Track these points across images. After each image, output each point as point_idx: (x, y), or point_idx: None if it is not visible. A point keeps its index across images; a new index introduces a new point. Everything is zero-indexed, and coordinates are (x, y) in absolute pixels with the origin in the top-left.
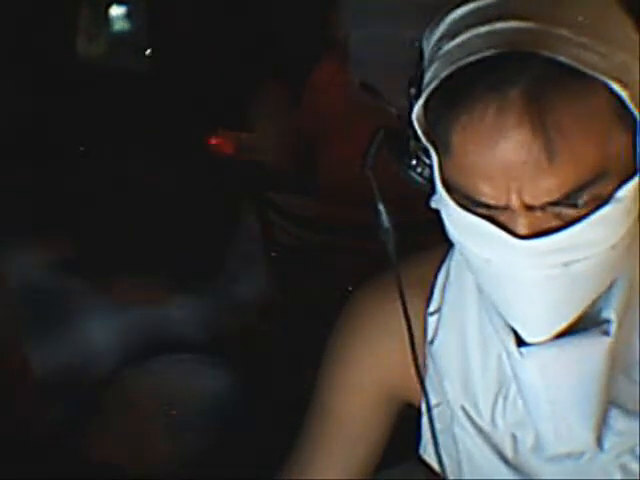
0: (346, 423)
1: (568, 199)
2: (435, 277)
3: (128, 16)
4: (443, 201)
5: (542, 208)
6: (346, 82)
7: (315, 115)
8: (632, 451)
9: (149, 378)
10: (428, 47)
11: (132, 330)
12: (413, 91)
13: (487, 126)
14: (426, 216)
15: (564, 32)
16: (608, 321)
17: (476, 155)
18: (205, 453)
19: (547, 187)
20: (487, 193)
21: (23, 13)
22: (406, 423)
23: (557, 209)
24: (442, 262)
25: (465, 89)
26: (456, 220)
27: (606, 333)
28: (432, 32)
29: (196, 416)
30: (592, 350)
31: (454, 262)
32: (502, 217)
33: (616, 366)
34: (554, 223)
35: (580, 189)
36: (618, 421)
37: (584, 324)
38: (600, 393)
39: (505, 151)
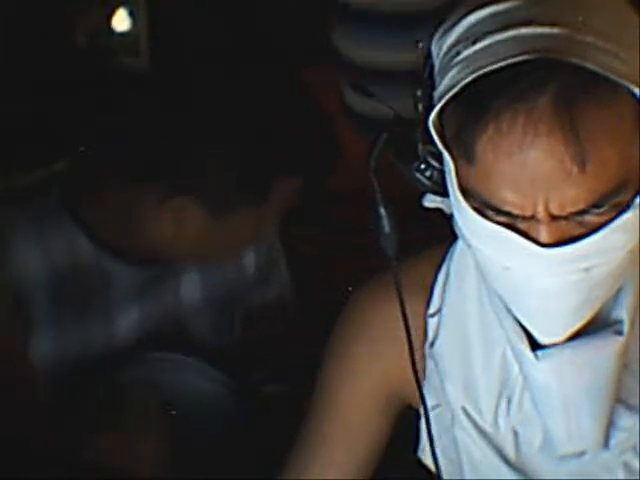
0: (346, 423)
1: (593, 208)
2: (435, 278)
3: (128, 16)
4: (460, 208)
5: (566, 217)
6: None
7: None
8: (634, 448)
9: (146, 377)
10: (440, 50)
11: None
12: (420, 94)
13: (516, 135)
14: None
15: (588, 38)
16: (620, 321)
17: (504, 165)
18: (204, 453)
19: (575, 197)
20: (513, 203)
21: (22, 13)
22: (406, 424)
23: (580, 217)
24: (442, 262)
25: (491, 97)
26: (474, 227)
27: (618, 333)
28: (445, 35)
29: (194, 418)
30: (606, 350)
31: (454, 263)
32: (523, 225)
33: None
34: (576, 230)
35: (606, 198)
36: (622, 417)
37: (595, 324)
38: (611, 391)
39: (535, 161)
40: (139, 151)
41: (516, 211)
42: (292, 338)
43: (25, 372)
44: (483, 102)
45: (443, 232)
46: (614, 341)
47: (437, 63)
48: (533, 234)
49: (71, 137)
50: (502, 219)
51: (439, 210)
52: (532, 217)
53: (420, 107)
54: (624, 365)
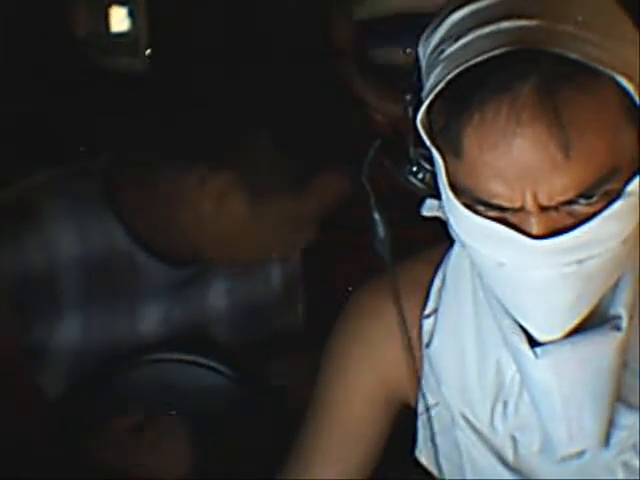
0: (345, 423)
1: (582, 197)
2: (431, 280)
3: (128, 16)
4: (452, 206)
5: (556, 208)
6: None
7: None
8: (634, 447)
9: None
10: (426, 52)
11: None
12: (409, 98)
13: (501, 125)
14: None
15: (569, 29)
16: (618, 317)
17: (490, 156)
18: (205, 454)
19: (562, 186)
20: (501, 195)
21: (22, 13)
22: (405, 424)
23: (570, 207)
24: (439, 264)
25: (475, 89)
26: (466, 225)
27: (617, 328)
28: (430, 37)
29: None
30: (604, 346)
31: (451, 265)
32: (514, 218)
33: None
34: (567, 221)
35: (594, 187)
36: (622, 416)
37: (593, 321)
38: (611, 389)
39: (520, 150)
40: (183, 130)
41: (505, 203)
42: (292, 338)
43: (26, 372)
44: (467, 95)
45: (442, 233)
46: (613, 337)
47: (423, 64)
48: (524, 227)
49: (75, 137)
50: (493, 214)
51: None
52: (522, 209)
53: (410, 111)
54: (624, 363)
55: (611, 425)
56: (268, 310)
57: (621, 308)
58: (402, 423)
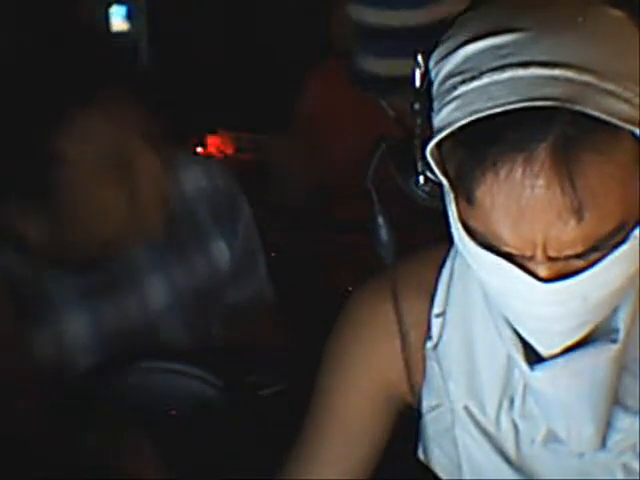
0: (345, 423)
1: (591, 250)
2: (437, 278)
3: (128, 16)
4: (460, 236)
5: (565, 258)
6: (343, 80)
7: (313, 113)
8: (633, 449)
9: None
10: (437, 76)
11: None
12: (418, 107)
13: (514, 185)
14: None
15: (588, 78)
16: (616, 329)
17: (502, 211)
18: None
19: (572, 242)
20: (511, 245)
21: (22, 13)
22: (406, 424)
23: (578, 258)
24: (443, 262)
25: (489, 144)
26: (473, 255)
27: (613, 341)
28: (442, 61)
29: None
30: (600, 358)
31: (458, 263)
32: (522, 259)
33: (621, 365)
34: (575, 265)
35: (604, 241)
36: (618, 419)
37: (592, 334)
38: (609, 396)
39: (533, 209)
40: None
41: (514, 252)
42: (291, 338)
43: (25, 372)
44: (481, 148)
45: (443, 232)
46: (608, 349)
47: (435, 85)
48: (532, 269)
49: None
50: (502, 249)
51: (439, 210)
52: (531, 257)
53: (418, 120)
54: (622, 368)
55: (608, 427)
56: (218, 293)
57: (620, 322)
58: (403, 423)
